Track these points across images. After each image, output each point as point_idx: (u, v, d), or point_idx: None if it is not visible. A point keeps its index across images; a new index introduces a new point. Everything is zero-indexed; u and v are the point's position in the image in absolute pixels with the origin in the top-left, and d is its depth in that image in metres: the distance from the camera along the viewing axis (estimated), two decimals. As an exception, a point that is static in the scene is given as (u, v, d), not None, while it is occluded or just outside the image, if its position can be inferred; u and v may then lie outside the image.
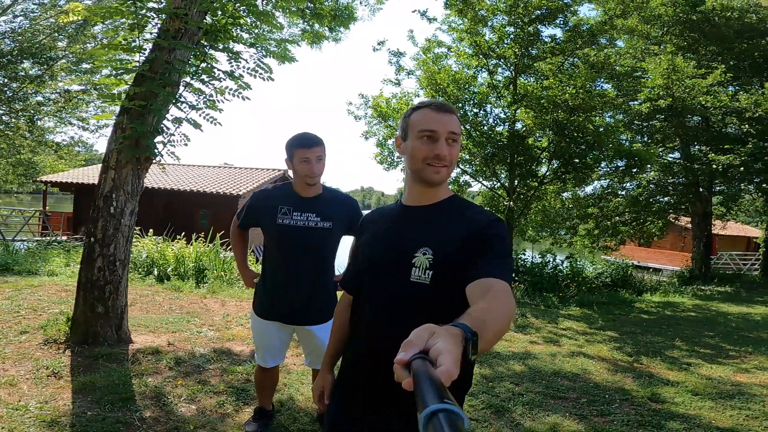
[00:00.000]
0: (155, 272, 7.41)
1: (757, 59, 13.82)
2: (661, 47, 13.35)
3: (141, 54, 4.08)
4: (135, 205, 4.18)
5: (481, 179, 11.39)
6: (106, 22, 4.30)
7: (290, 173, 2.42)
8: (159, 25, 4.15)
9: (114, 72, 4.13)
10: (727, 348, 5.81)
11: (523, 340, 5.48)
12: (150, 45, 4.08)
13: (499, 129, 10.42)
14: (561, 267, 11.10)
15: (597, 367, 4.55)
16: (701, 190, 14.14)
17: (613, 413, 3.36)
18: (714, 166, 12.13)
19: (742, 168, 11.74)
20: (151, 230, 8.96)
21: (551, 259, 11.17)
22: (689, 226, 15.85)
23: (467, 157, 10.49)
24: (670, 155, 15.35)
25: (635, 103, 12.54)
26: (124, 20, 4.10)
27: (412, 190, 1.27)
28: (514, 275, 9.28)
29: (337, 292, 2.23)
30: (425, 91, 9.92)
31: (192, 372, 3.39)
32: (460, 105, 9.78)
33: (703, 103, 12.02)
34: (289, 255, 2.27)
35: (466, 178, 11.23)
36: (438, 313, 1.00)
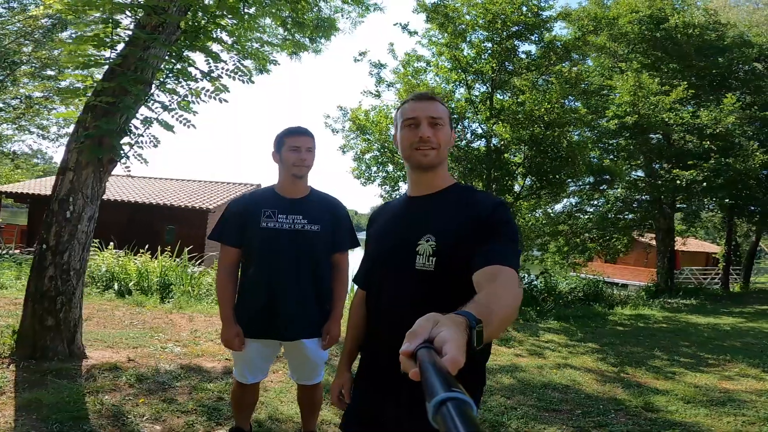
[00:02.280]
0: (115, 286, 6.89)
1: (715, 76, 14.52)
2: (627, 65, 13.91)
3: (113, 51, 3.80)
4: (95, 210, 3.83)
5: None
6: (79, 18, 4.00)
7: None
8: (135, 22, 3.91)
9: (81, 65, 3.80)
10: (706, 357, 5.84)
11: (508, 354, 5.34)
12: (123, 43, 3.83)
13: (476, 144, 10.47)
14: (535, 283, 11.17)
15: (585, 378, 4.44)
16: (664, 206, 14.66)
17: (611, 424, 3.22)
18: (678, 182, 12.57)
19: (705, 183, 12.21)
20: (111, 243, 8.39)
21: (525, 275, 11.22)
22: (652, 242, 16.36)
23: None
24: (634, 173, 15.91)
25: (603, 120, 12.94)
26: (98, 15, 3.83)
27: (412, 179, 1.30)
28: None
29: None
30: (404, 105, 9.87)
31: (156, 390, 3.04)
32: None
33: (666, 120, 12.53)
34: (276, 262, 2.02)
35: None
36: (444, 299, 1.02)
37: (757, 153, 12.30)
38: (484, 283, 0.97)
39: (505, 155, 10.14)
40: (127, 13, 3.87)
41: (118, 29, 3.80)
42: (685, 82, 12.65)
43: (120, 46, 3.80)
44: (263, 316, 2.04)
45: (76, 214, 3.70)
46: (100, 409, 2.63)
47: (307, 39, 8.20)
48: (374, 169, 10.94)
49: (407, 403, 1.13)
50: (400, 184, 10.75)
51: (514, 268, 1.02)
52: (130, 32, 3.89)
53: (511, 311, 0.89)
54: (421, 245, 1.16)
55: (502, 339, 6.03)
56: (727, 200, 13.33)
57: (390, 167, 10.68)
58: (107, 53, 3.83)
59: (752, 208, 14.40)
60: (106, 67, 3.80)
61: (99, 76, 3.97)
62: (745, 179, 12.54)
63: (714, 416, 3.44)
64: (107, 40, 3.71)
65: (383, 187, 10.98)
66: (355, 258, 2.30)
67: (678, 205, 14.90)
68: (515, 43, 9.43)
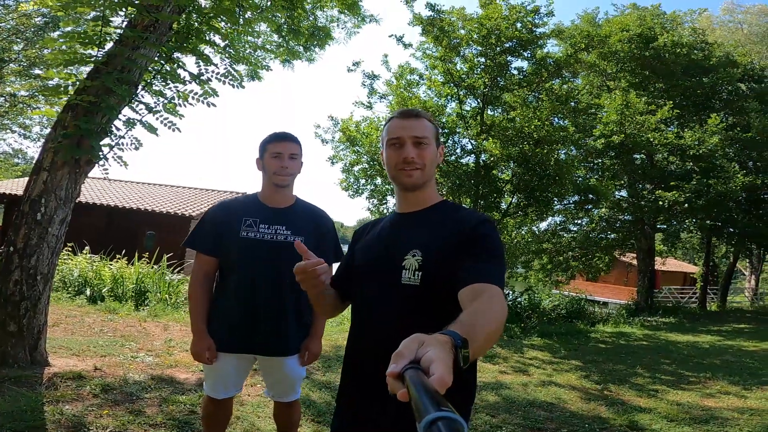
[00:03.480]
0: (87, 292, 6.61)
1: (699, 96, 14.75)
2: (616, 83, 14.13)
3: (100, 49, 3.69)
4: (67, 213, 3.66)
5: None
6: (69, 15, 3.87)
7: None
8: (125, 21, 3.80)
9: (65, 62, 3.66)
10: (687, 374, 5.85)
11: (492, 370, 5.26)
12: (111, 42, 3.72)
13: (464, 160, 10.49)
14: (520, 300, 11.17)
15: (570, 395, 4.38)
16: (646, 226, 14.88)
17: (596, 443, 3.15)
18: (660, 203, 12.75)
19: (686, 204, 12.40)
20: (87, 247, 8.09)
21: (510, 292, 11.22)
22: (633, 261, 16.53)
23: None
24: (618, 193, 16.15)
25: (590, 139, 13.10)
26: (92, 14, 3.72)
27: (399, 197, 1.31)
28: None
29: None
30: (396, 117, 9.85)
31: (123, 401, 2.86)
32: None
33: (651, 140, 12.74)
34: (255, 275, 1.91)
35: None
36: (429, 314, 1.05)
37: (739, 175, 12.56)
38: (469, 301, 0.98)
39: (494, 172, 10.17)
40: (120, 12, 3.77)
41: (108, 27, 3.69)
42: (671, 102, 12.87)
43: (108, 45, 3.69)
44: (240, 330, 1.92)
45: (47, 216, 3.53)
46: (59, 419, 2.45)
47: (301, 47, 8.18)
48: (362, 181, 10.84)
49: (394, 412, 1.12)
50: (388, 197, 10.68)
51: (498, 285, 1.02)
52: (119, 31, 3.79)
53: (496, 329, 0.89)
54: (408, 260, 1.17)
55: (486, 356, 5.95)
56: (707, 221, 13.55)
57: (378, 180, 10.61)
58: (94, 51, 3.71)
59: (731, 229, 14.67)
60: (92, 65, 3.68)
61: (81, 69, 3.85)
62: (725, 201, 12.78)
63: (698, 436, 3.40)
64: (95, 38, 3.59)
65: (371, 200, 10.89)
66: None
67: (659, 226, 15.12)
68: (508, 58, 9.53)
